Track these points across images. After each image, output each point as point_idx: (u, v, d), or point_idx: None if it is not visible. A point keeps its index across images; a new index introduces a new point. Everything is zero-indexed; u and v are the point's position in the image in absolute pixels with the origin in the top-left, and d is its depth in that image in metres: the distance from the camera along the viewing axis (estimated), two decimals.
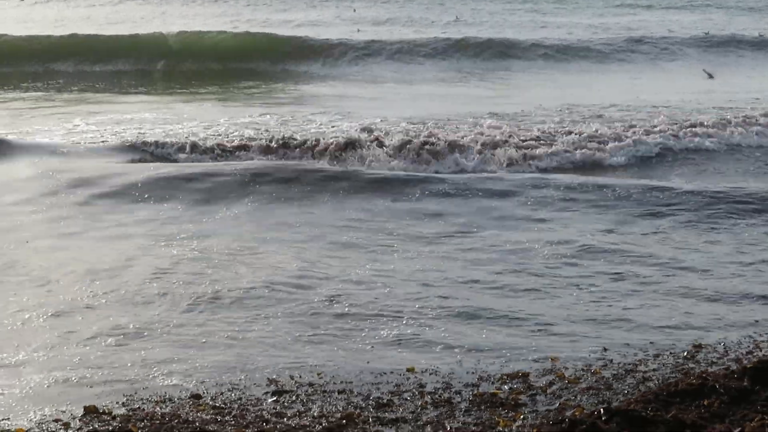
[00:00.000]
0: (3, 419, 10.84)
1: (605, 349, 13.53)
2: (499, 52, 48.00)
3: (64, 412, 11.08)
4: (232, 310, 14.80)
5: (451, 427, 10.47)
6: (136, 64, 44.52)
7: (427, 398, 11.62)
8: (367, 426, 10.83)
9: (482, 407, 11.29)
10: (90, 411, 10.96)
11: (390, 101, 37.22)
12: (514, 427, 10.40)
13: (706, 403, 10.02)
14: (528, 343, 13.85)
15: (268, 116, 32.14)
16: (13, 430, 9.41)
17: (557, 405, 11.24)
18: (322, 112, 33.42)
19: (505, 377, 12.40)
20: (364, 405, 11.50)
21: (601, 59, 47.90)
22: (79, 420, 10.81)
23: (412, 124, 30.10)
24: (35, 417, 10.92)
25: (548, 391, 11.86)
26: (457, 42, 48.79)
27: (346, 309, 14.89)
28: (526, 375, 12.48)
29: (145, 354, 13.00)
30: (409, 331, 14.32)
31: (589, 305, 15.35)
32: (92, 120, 30.83)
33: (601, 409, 9.61)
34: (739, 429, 6.68)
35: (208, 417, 10.89)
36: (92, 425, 10.58)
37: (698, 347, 13.62)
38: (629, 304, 15.45)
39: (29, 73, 42.53)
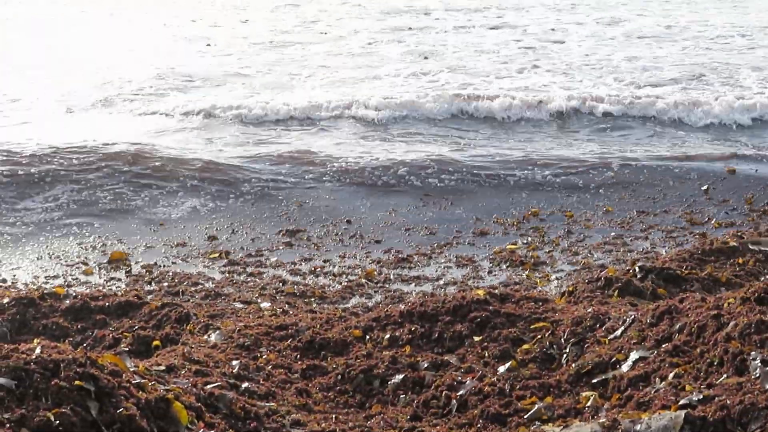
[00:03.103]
0: None
1: None
2: None
3: None
4: None
5: (481, 286, 10.42)
6: None
7: (451, 256, 11.73)
8: (388, 284, 10.87)
9: (503, 266, 11.33)
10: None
11: None
12: (551, 287, 10.41)
13: (740, 261, 9.98)
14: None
15: None
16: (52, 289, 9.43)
17: (580, 265, 11.30)
18: None
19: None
20: (384, 259, 11.67)
21: None
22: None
23: None
24: None
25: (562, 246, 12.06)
26: None
27: None
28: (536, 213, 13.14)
29: None
30: None
31: None
32: None
33: (636, 268, 9.58)
34: None
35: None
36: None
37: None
38: None
39: None
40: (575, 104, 19.81)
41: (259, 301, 9.79)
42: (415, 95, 20.48)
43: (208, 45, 28.73)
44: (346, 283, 10.72)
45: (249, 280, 10.80)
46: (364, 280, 10.80)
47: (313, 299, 10.07)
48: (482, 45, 28.45)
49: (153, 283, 10.60)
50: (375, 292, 10.49)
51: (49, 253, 11.57)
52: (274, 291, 10.34)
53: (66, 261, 11.34)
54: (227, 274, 10.98)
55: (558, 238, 12.37)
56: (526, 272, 11.00)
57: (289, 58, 26.75)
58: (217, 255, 11.62)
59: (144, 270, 11.08)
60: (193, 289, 10.41)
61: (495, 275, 11.00)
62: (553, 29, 31.63)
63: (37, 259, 11.42)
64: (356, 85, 22.47)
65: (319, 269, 11.22)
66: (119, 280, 10.77)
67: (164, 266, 11.23)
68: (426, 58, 26.05)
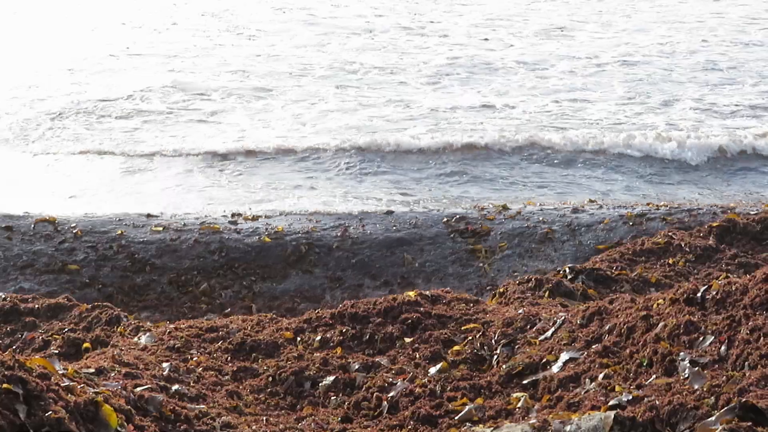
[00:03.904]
0: None
1: None
2: None
3: None
4: None
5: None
6: None
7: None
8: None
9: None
10: None
11: None
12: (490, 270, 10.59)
13: (671, 261, 10.08)
14: None
15: None
16: None
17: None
18: None
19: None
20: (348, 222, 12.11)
21: None
22: None
23: None
24: None
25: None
26: None
27: None
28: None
29: None
30: None
31: None
32: None
33: (566, 268, 9.64)
34: (706, 286, 6.68)
35: None
36: None
37: None
38: None
39: None
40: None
41: None
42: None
43: (127, 48, 28.43)
44: None
45: None
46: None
47: None
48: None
49: None
50: None
51: None
52: None
53: None
54: None
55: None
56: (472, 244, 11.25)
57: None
58: None
59: None
60: None
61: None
62: (486, 39, 30.88)
63: None
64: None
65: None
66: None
67: None
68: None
